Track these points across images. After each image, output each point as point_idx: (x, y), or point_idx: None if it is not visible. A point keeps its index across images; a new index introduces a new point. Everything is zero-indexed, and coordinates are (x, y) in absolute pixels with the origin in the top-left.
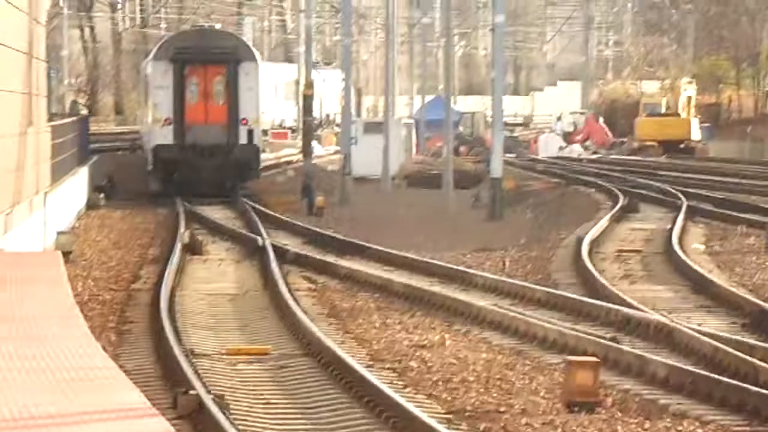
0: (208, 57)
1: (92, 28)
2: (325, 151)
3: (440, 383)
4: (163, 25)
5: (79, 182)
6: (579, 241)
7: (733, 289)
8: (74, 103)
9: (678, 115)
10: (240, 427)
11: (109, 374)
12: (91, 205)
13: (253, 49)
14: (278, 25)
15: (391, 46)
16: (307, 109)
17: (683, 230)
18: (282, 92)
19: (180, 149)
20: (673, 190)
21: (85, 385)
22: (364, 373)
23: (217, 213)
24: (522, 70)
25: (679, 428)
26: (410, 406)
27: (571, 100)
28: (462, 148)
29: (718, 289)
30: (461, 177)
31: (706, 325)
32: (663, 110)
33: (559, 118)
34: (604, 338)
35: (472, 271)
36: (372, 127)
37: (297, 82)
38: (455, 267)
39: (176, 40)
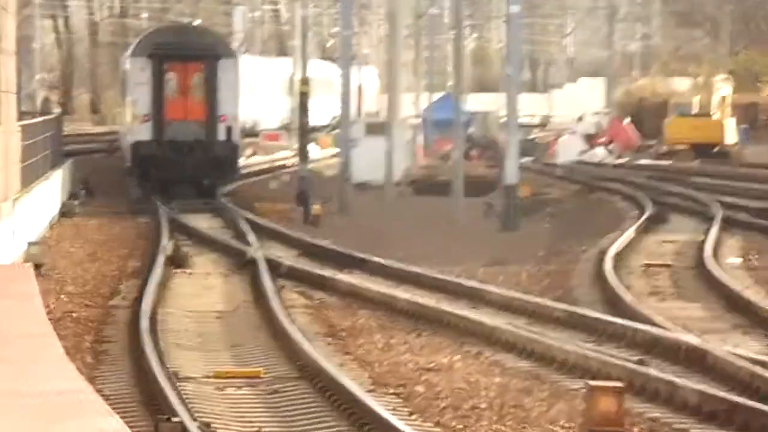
0: (186, 53)
1: (66, 18)
2: (322, 154)
3: (449, 410)
4: (144, 15)
5: (51, 188)
6: (602, 254)
7: None
8: (46, 100)
9: (711, 115)
10: None
11: (85, 399)
12: (64, 213)
13: (232, 46)
14: (271, 15)
15: (395, 39)
16: (303, 107)
17: (717, 242)
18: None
19: (158, 145)
20: (706, 199)
21: (59, 410)
22: (365, 399)
23: (203, 222)
24: (540, 65)
25: None
26: None
27: (594, 98)
28: (473, 152)
29: (755, 308)
30: (472, 183)
31: (743, 347)
32: (695, 110)
33: (580, 119)
34: (629, 361)
35: (484, 286)
36: (374, 128)
37: (291, 79)
38: (465, 282)
39: (155, 36)
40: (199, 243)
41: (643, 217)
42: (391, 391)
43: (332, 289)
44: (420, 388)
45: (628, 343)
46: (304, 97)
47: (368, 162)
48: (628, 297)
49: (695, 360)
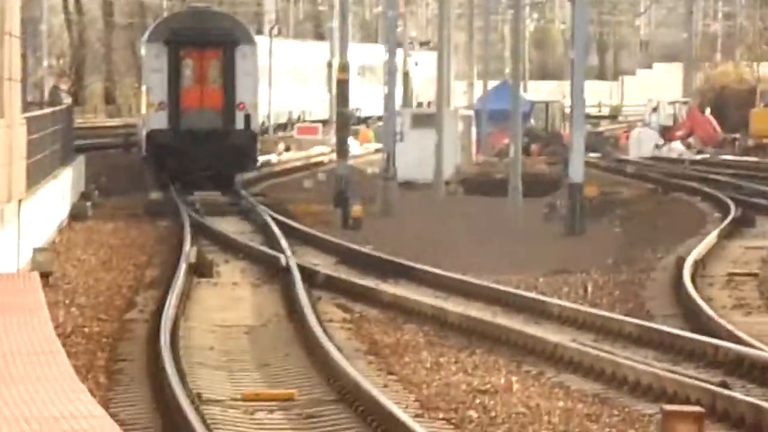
0: (203, 39)
1: None
2: (363, 150)
3: None
4: None
5: (60, 187)
6: (680, 262)
7: None
8: (55, 89)
9: None
10: None
11: (97, 424)
12: (75, 216)
13: (252, 32)
14: None
15: (445, 20)
16: (343, 97)
17: None
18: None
19: (174, 134)
20: None
21: None
22: (412, 425)
23: (230, 226)
24: (609, 49)
25: None
26: None
27: (670, 86)
28: (533, 147)
29: None
30: (532, 182)
31: None
32: None
33: (654, 109)
34: (710, 383)
35: (545, 298)
36: (421, 120)
37: (329, 64)
38: (524, 293)
39: (171, 22)
40: (226, 249)
41: (727, 221)
42: (441, 416)
43: (374, 301)
44: (473, 413)
45: (709, 362)
46: (343, 85)
47: (415, 158)
48: (709, 310)
49: None
